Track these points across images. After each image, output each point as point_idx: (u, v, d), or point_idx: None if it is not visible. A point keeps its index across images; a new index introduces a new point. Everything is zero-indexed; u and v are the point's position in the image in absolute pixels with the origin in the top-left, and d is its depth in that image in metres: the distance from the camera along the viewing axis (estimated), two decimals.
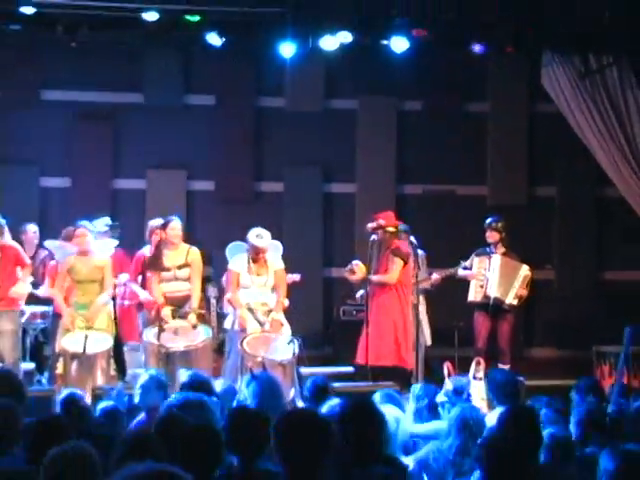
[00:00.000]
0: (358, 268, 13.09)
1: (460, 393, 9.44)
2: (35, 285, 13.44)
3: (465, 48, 14.59)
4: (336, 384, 11.63)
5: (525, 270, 13.87)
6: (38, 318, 13.69)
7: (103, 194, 15.97)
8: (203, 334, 12.74)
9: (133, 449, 6.14)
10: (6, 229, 13.49)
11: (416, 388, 9.38)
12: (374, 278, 13.14)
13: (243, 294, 12.82)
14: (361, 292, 13.57)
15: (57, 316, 13.14)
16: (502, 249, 13.92)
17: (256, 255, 12.76)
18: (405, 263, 13.23)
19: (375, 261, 13.30)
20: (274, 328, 12.63)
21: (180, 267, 12.82)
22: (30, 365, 13.38)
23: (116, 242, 13.86)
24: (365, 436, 6.04)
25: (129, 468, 4.48)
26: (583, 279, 16.25)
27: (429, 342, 13.74)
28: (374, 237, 13.25)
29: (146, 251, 13.46)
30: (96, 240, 13.30)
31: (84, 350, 12.35)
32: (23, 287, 12.73)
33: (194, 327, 12.74)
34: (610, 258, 16.24)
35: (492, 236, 13.91)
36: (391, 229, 13.28)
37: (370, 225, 13.31)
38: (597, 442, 7.27)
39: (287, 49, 14.21)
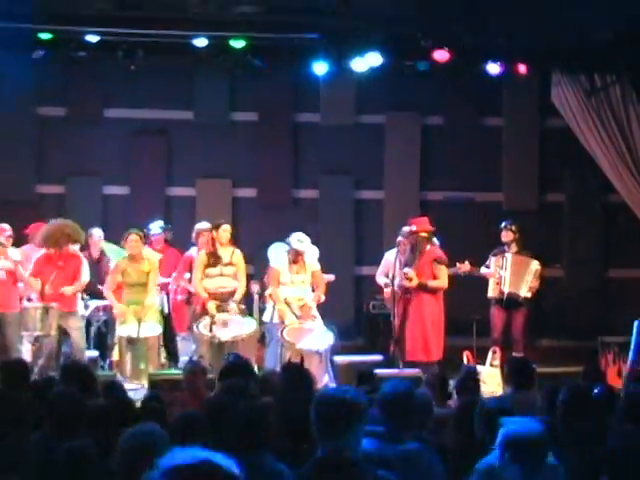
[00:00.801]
0: (412, 274, 13.02)
1: None
2: (100, 283, 13.51)
3: (482, 69, 14.45)
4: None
5: (535, 265, 13.90)
6: (101, 311, 13.80)
7: (158, 200, 16.05)
8: (249, 326, 12.85)
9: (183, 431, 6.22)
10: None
11: None
12: (432, 284, 13.09)
13: (283, 290, 12.90)
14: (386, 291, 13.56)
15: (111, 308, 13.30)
16: (515, 248, 13.94)
17: (296, 257, 12.88)
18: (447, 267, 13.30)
19: (413, 265, 13.11)
20: (304, 314, 12.79)
21: (225, 265, 12.93)
22: (94, 353, 13.42)
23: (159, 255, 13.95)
24: (403, 416, 6.09)
25: (173, 456, 4.67)
26: (589, 277, 16.20)
27: None
28: (401, 239, 13.22)
29: (193, 252, 13.64)
30: (153, 238, 13.77)
31: (137, 334, 12.55)
32: (70, 290, 12.75)
33: (238, 319, 12.80)
34: (614, 258, 16.15)
35: (507, 236, 13.93)
36: (424, 234, 13.24)
37: (405, 229, 13.27)
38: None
39: (321, 70, 14.25)
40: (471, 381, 9.10)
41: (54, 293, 12.69)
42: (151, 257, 13.39)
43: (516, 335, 13.91)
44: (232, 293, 12.94)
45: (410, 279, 13.08)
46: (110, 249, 14.00)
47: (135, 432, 5.46)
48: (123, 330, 12.69)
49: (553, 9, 13.21)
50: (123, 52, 14.13)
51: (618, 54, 14.13)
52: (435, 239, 13.55)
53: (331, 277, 13.61)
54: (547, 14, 13.34)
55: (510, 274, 13.83)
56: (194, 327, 13.02)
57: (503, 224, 14.09)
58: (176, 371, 12.15)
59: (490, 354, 13.37)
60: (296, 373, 8.15)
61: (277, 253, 13.21)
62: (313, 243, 13.24)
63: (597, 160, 14.95)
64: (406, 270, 13.09)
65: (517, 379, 8.96)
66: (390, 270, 13.49)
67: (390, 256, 13.54)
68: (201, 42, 13.93)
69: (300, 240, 12.85)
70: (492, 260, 13.97)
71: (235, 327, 12.80)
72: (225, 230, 13.07)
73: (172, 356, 13.53)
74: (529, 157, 16.44)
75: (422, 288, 13.18)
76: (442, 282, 13.18)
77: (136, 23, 13.67)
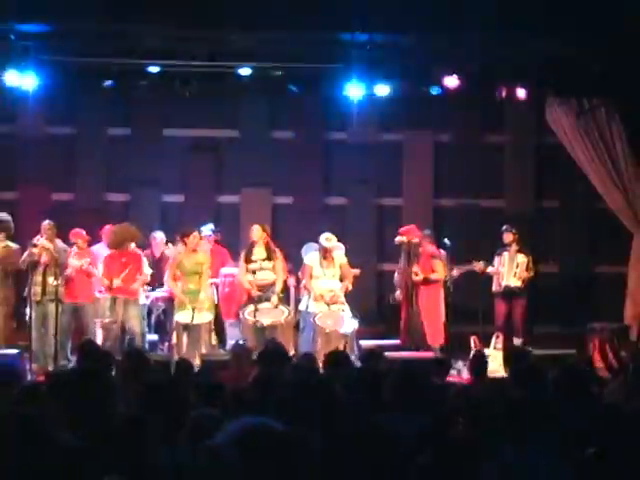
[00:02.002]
0: (418, 270, 13.36)
1: None
2: (161, 277, 13.62)
3: (486, 93, 14.51)
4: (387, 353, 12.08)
5: (521, 258, 13.97)
6: (160, 301, 13.93)
7: (208, 207, 16.06)
8: (285, 313, 13.00)
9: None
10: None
11: None
12: (433, 277, 13.44)
13: (315, 283, 13.04)
14: (397, 292, 13.81)
15: (172, 299, 13.35)
16: (516, 247, 13.99)
17: (325, 253, 12.99)
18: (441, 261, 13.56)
19: (411, 263, 13.42)
20: (332, 300, 12.89)
21: (264, 260, 13.05)
22: (154, 337, 13.68)
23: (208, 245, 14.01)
24: (409, 390, 6.08)
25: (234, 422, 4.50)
26: (579, 272, 16.20)
27: None
28: (400, 244, 13.55)
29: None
30: (204, 239, 13.66)
31: (192, 320, 12.66)
32: (137, 284, 12.96)
33: (276, 307, 12.95)
34: (600, 255, 16.10)
35: (507, 237, 14.06)
36: (415, 240, 13.51)
37: (397, 239, 13.60)
38: None
39: (356, 93, 14.19)
40: (480, 361, 9.15)
41: (120, 286, 12.78)
42: (205, 252, 13.45)
43: (516, 323, 14.05)
44: (272, 284, 13.02)
45: (416, 274, 13.35)
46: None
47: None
48: (180, 317, 12.78)
49: (548, 44, 13.27)
50: (179, 81, 14.16)
51: (603, 81, 13.98)
52: (446, 239, 13.74)
53: (356, 271, 13.61)
54: (543, 49, 13.40)
55: (506, 269, 13.97)
56: (240, 314, 13.19)
57: (504, 227, 14.22)
58: (224, 352, 12.31)
59: (494, 339, 13.44)
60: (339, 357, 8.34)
61: (309, 252, 13.38)
62: (340, 242, 13.32)
63: (586, 172, 14.90)
64: (415, 269, 13.36)
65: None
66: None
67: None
68: (245, 71, 13.94)
69: (328, 239, 13.01)
70: (495, 260, 14.07)
71: (273, 314, 12.92)
72: (251, 230, 13.23)
73: (221, 340, 13.61)
74: (527, 169, 16.39)
75: (426, 281, 13.42)
76: (440, 274, 13.52)
77: (190, 56, 13.64)
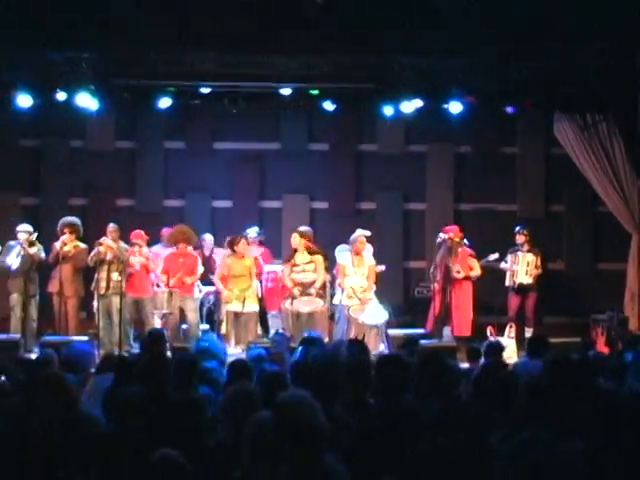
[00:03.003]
0: (460, 268, 13.44)
1: None
2: (210, 274, 13.73)
3: (500, 109, 14.56)
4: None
5: (531, 257, 13.94)
6: (211, 295, 14.02)
7: (253, 211, 16.07)
8: (321, 303, 13.11)
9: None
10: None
11: None
12: (473, 274, 13.49)
13: (347, 280, 13.12)
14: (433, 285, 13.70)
15: (220, 294, 13.41)
16: (527, 247, 13.99)
17: (357, 247, 13.05)
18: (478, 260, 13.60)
19: (450, 260, 13.40)
20: (364, 302, 12.95)
21: (306, 263, 13.14)
22: (206, 326, 13.74)
23: (261, 250, 14.14)
24: (435, 376, 6.03)
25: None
26: (583, 269, 16.14)
27: None
28: (439, 241, 13.49)
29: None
30: (250, 240, 13.71)
31: (242, 309, 12.85)
32: (189, 280, 13.13)
33: (315, 300, 13.07)
34: (602, 254, 16.06)
35: (520, 238, 14.06)
36: (457, 239, 13.55)
37: (441, 236, 13.52)
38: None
39: (389, 112, 14.32)
40: (496, 348, 9.22)
41: (177, 282, 12.96)
42: (251, 254, 13.52)
43: (528, 314, 14.07)
44: (312, 282, 13.11)
45: (458, 272, 13.38)
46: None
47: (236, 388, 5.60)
48: (231, 306, 12.92)
49: (555, 67, 13.38)
50: (228, 100, 14.32)
51: (604, 99, 14.08)
52: (465, 240, 13.76)
53: (382, 267, 13.63)
54: (551, 71, 13.51)
55: (520, 267, 13.95)
56: (282, 305, 13.35)
57: (517, 229, 14.21)
58: (267, 340, 12.40)
59: (507, 329, 13.55)
60: (358, 345, 8.32)
61: (342, 252, 13.39)
62: (370, 242, 13.35)
63: (589, 179, 14.91)
64: (457, 268, 13.39)
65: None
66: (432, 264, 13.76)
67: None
68: (286, 91, 14.11)
69: (364, 232, 13.20)
70: (509, 257, 14.04)
71: (310, 304, 13.04)
72: (294, 237, 13.32)
73: (265, 329, 13.73)
74: (537, 177, 16.31)
75: (466, 278, 13.48)
76: (477, 272, 13.50)
77: (237, 78, 13.78)
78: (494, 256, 14.02)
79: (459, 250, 13.55)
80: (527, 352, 8.84)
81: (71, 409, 5.74)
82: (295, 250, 13.24)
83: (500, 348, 9.27)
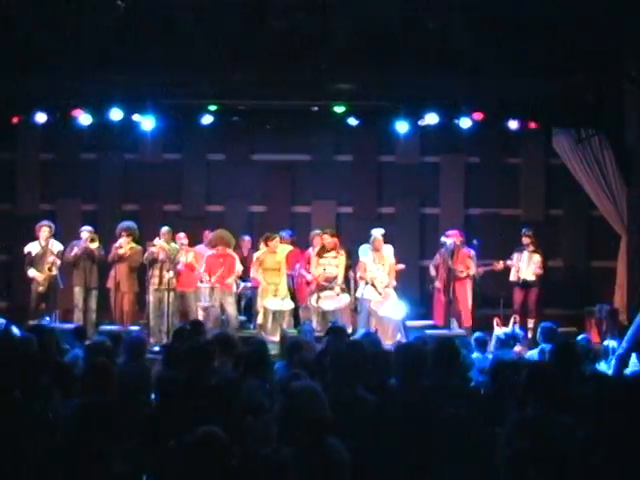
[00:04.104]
0: (463, 268, 13.61)
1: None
2: (247, 271, 13.72)
3: (505, 124, 14.59)
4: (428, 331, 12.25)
5: (537, 258, 13.98)
6: (248, 290, 14.08)
7: (286, 216, 16.10)
8: (345, 299, 13.15)
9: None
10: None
11: None
12: (471, 273, 13.63)
13: (369, 275, 13.09)
14: (436, 282, 13.86)
15: (256, 289, 13.48)
16: (532, 247, 14.01)
17: (377, 245, 13.12)
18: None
19: (453, 261, 13.51)
20: (385, 297, 13.00)
21: (333, 258, 13.19)
22: (243, 318, 13.88)
23: (290, 247, 14.10)
24: (448, 361, 6.01)
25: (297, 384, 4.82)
26: (579, 265, 16.09)
27: None
28: (445, 244, 13.66)
29: (310, 251, 13.87)
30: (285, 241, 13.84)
31: (282, 307, 12.92)
32: (231, 279, 13.12)
33: (338, 295, 13.09)
34: (595, 253, 15.98)
35: (525, 239, 14.08)
36: (458, 243, 13.68)
37: (445, 239, 13.68)
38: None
39: (403, 129, 14.39)
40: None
41: (217, 280, 12.99)
42: (283, 251, 13.57)
43: (530, 307, 14.10)
44: (335, 277, 13.18)
45: (462, 271, 13.51)
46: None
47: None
48: (269, 303, 12.96)
49: (553, 86, 13.46)
50: (263, 116, 14.50)
51: (597, 116, 14.09)
52: (475, 241, 13.90)
53: (402, 266, 13.68)
54: (549, 90, 13.58)
55: (525, 265, 13.99)
56: (308, 300, 13.48)
57: (523, 231, 14.22)
58: (297, 330, 12.52)
59: (512, 320, 13.37)
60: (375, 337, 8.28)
61: (364, 251, 13.39)
62: (389, 243, 13.42)
63: (584, 187, 14.92)
64: (461, 268, 13.51)
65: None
66: (437, 263, 13.94)
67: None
68: (315, 108, 14.22)
69: (379, 230, 13.29)
70: (515, 256, 14.07)
71: (335, 300, 13.09)
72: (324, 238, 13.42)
73: (296, 320, 13.69)
74: (538, 184, 16.23)
75: (469, 276, 13.62)
76: (473, 270, 13.65)
77: (271, 97, 13.92)
78: (499, 266, 14.05)
79: (459, 251, 13.69)
80: (541, 338, 9.07)
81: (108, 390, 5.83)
82: (324, 247, 13.32)
83: (515, 339, 9.53)
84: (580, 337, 9.45)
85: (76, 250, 13.32)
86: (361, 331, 10.34)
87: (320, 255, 13.28)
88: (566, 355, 6.72)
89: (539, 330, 9.55)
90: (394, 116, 14.29)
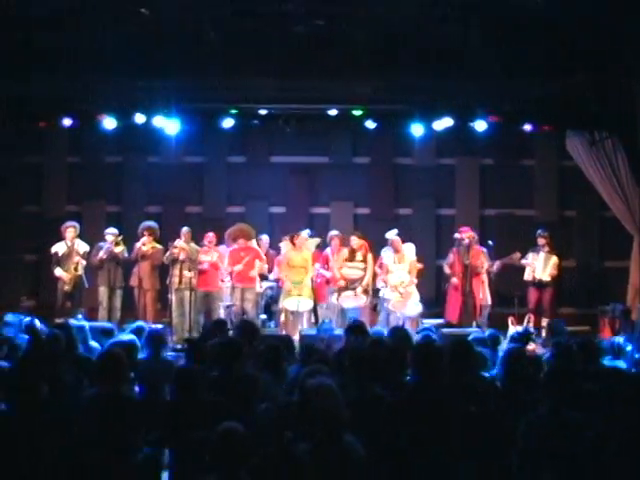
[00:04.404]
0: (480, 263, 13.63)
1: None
2: (269, 270, 13.91)
3: (519, 127, 14.57)
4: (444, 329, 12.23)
5: (554, 259, 14.01)
6: (268, 289, 14.10)
7: (305, 217, 16.12)
8: (363, 299, 13.22)
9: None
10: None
11: None
12: (487, 269, 13.59)
13: (390, 276, 13.22)
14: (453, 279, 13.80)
15: (279, 287, 13.62)
16: (547, 248, 14.05)
17: (396, 245, 13.20)
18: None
19: (467, 257, 13.52)
20: (405, 296, 13.10)
21: (360, 261, 13.31)
22: (264, 316, 13.84)
23: (317, 241, 14.18)
24: (462, 358, 6.04)
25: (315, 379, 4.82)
26: (592, 265, 16.06)
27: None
28: (459, 241, 13.68)
29: (328, 251, 13.90)
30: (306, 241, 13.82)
31: (298, 308, 12.99)
32: (254, 272, 13.26)
33: (356, 295, 13.19)
34: (608, 253, 15.97)
35: (541, 240, 14.12)
36: (472, 239, 13.71)
37: (458, 236, 13.75)
38: None
39: (418, 132, 14.36)
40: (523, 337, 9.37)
41: (240, 271, 13.12)
42: (308, 248, 13.70)
43: (545, 306, 14.11)
44: (359, 279, 13.27)
45: (481, 266, 13.54)
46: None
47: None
48: (288, 304, 13.06)
49: (567, 90, 13.30)
50: (282, 120, 14.41)
51: (610, 118, 14.03)
52: (490, 241, 13.90)
53: (420, 266, 13.74)
54: (564, 93, 13.43)
55: (542, 265, 13.99)
56: (329, 298, 13.54)
57: (538, 232, 14.27)
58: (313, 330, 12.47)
59: (526, 318, 13.37)
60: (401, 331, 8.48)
61: (385, 252, 13.52)
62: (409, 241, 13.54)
63: (597, 188, 14.86)
64: (479, 263, 13.53)
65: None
66: (452, 261, 13.87)
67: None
68: (333, 112, 14.18)
69: (393, 231, 13.37)
70: (530, 255, 14.07)
71: (354, 299, 13.18)
72: (353, 239, 13.49)
73: (316, 319, 13.65)
74: (552, 185, 16.26)
75: (484, 272, 13.59)
76: (486, 265, 13.64)
77: (291, 101, 13.92)
78: (516, 257, 14.02)
79: (476, 247, 13.73)
80: (548, 333, 8.96)
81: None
82: (353, 249, 13.40)
83: (528, 336, 9.48)
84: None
85: (101, 254, 13.45)
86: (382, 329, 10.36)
87: (348, 259, 13.40)
88: (586, 352, 6.76)
89: (548, 326, 9.57)
90: (410, 119, 14.28)
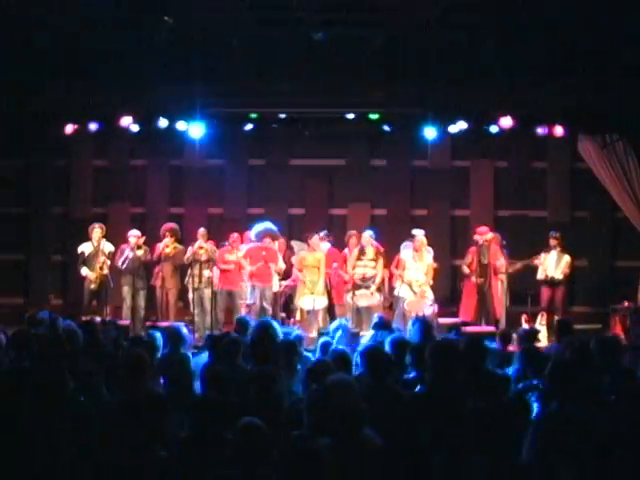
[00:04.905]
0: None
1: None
2: (285, 272, 13.85)
3: (532, 130, 14.54)
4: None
5: (567, 258, 13.92)
6: (286, 288, 14.12)
7: (323, 218, 16.10)
8: (377, 298, 13.24)
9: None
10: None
11: None
12: (503, 268, 13.59)
13: (407, 273, 13.20)
14: (473, 278, 13.71)
15: (296, 287, 13.64)
16: (559, 248, 13.94)
17: (418, 244, 13.21)
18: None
19: (486, 257, 13.52)
20: (420, 296, 13.09)
21: (370, 260, 13.28)
22: (283, 314, 13.93)
23: (329, 245, 14.14)
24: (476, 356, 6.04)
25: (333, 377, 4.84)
26: (604, 265, 15.98)
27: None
28: (478, 241, 13.64)
29: (347, 251, 13.90)
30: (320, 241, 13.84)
31: (313, 307, 13.04)
32: (272, 271, 13.25)
33: (371, 294, 13.17)
34: (620, 253, 15.89)
35: (553, 241, 14.00)
36: (487, 239, 13.69)
37: (484, 237, 13.66)
38: None
39: (431, 135, 14.35)
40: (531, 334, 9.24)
41: (260, 268, 13.13)
42: (322, 249, 13.70)
43: (557, 305, 13.97)
44: (372, 277, 13.25)
45: (501, 265, 13.53)
46: (296, 244, 14.16)
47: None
48: (303, 303, 13.12)
49: (579, 94, 13.33)
50: (301, 124, 14.54)
51: (621, 122, 14.01)
52: (504, 241, 13.87)
53: (435, 265, 13.69)
54: (575, 97, 13.44)
55: (554, 265, 13.91)
56: (345, 298, 13.52)
57: (550, 233, 14.15)
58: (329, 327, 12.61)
59: (539, 317, 13.57)
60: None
61: (405, 249, 13.55)
62: (428, 245, 13.50)
63: (608, 189, 14.82)
64: (499, 263, 13.54)
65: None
66: (470, 261, 13.82)
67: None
68: (350, 115, 14.25)
69: (420, 230, 13.45)
70: (542, 255, 13.97)
71: (369, 298, 13.16)
72: (364, 237, 13.48)
73: (332, 317, 13.60)
74: (564, 187, 16.19)
75: (505, 272, 13.59)
76: (504, 265, 13.61)
77: (309, 106, 13.94)
78: (537, 259, 14.01)
79: (493, 246, 13.70)
80: (557, 332, 9.06)
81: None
82: (363, 247, 13.40)
83: (534, 334, 9.32)
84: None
85: (120, 264, 13.54)
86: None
87: (359, 256, 13.39)
88: (604, 349, 6.66)
89: (557, 324, 9.61)
90: (425, 123, 14.26)
